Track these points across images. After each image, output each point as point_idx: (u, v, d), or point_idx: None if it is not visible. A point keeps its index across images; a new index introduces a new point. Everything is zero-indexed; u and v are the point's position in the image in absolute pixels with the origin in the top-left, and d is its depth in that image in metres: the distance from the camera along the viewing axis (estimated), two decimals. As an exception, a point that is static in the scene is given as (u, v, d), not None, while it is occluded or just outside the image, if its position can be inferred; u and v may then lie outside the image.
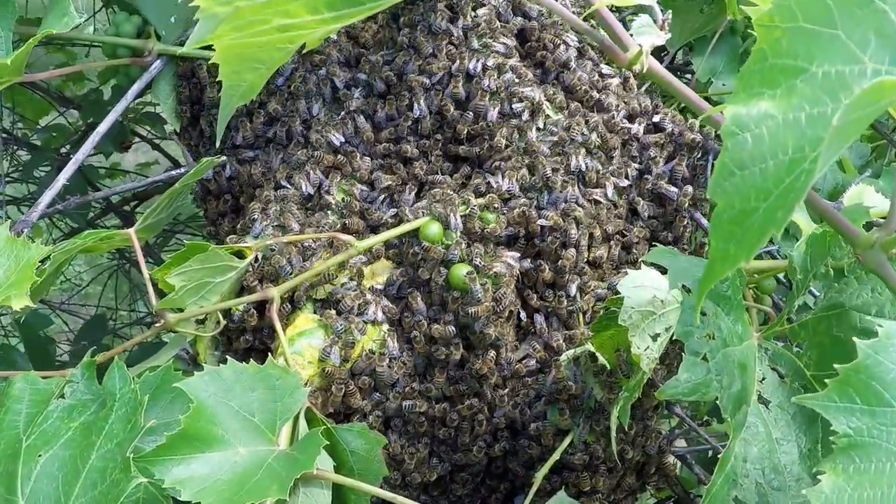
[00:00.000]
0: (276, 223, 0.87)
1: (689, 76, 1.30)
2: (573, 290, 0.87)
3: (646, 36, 0.52)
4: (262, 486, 0.59)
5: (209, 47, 0.66)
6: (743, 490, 0.66)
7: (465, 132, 0.90)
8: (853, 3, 0.46)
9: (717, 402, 0.64)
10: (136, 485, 0.62)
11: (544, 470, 0.85)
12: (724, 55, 1.26)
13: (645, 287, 0.75)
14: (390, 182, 0.90)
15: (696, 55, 1.25)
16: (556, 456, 0.85)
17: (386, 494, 0.74)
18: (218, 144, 0.77)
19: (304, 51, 0.92)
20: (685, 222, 0.94)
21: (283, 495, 0.58)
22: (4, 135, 1.95)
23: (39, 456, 0.64)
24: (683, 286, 0.68)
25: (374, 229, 0.89)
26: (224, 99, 0.69)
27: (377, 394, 0.84)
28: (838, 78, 0.44)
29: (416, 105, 0.91)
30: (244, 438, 0.63)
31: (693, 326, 0.66)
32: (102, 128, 0.95)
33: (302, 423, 0.74)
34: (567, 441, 0.86)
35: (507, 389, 0.87)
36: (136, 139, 2.08)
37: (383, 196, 0.90)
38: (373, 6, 0.59)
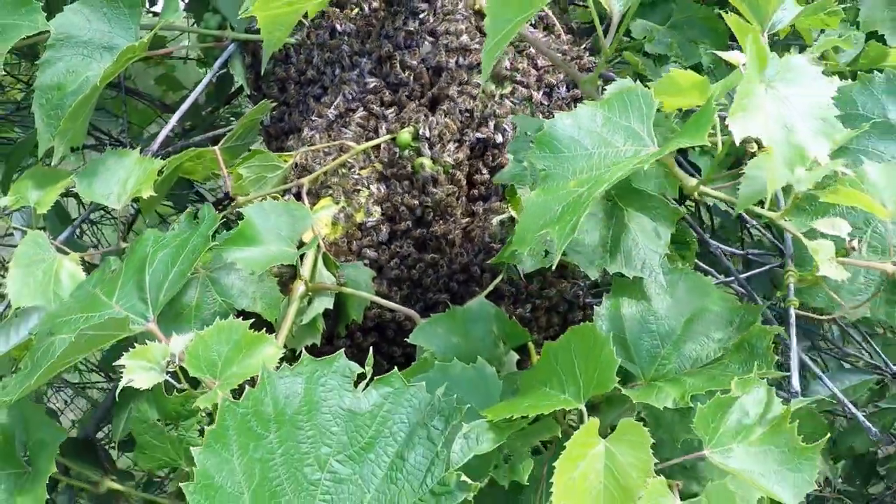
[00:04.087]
0: (309, 142, 1.30)
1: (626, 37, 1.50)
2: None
3: None
4: (276, 259, 1.04)
5: (258, 31, 1.14)
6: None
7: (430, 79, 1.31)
8: None
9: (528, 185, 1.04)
10: (213, 299, 1.06)
11: (480, 297, 1.15)
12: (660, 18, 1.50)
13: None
14: (382, 109, 1.32)
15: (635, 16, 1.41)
16: (490, 287, 1.18)
17: (375, 298, 1.13)
18: (263, 71, 1.25)
19: (310, 18, 1.35)
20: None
21: (290, 260, 1.03)
22: (116, 141, 2.20)
23: (155, 259, 1.06)
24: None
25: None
26: (265, 47, 1.18)
27: (371, 250, 1.24)
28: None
29: (399, 66, 1.32)
30: (274, 242, 1.06)
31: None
32: (201, 87, 1.41)
33: (319, 261, 1.17)
34: (498, 279, 1.20)
35: (459, 247, 1.24)
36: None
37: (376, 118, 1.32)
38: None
